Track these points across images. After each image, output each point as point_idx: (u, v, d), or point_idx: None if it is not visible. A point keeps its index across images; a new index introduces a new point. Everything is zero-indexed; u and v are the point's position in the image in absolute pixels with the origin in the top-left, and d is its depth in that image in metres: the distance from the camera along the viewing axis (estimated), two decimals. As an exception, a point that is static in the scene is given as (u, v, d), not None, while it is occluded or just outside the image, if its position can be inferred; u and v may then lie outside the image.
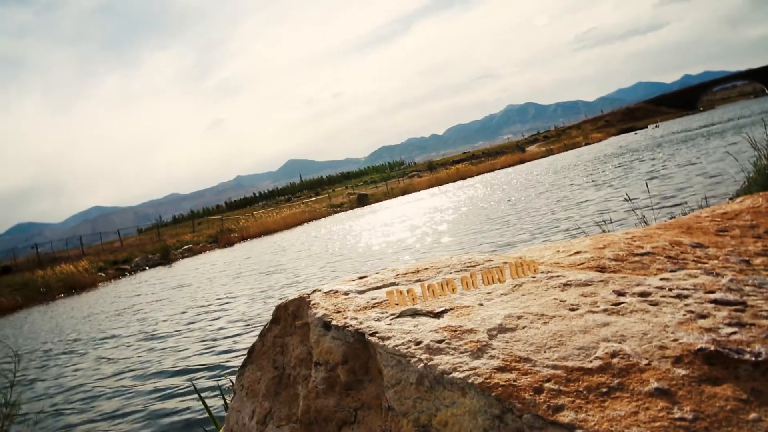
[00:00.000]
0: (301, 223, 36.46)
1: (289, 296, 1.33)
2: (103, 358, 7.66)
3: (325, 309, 1.16)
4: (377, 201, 44.04)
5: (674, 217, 4.99)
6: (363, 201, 44.12)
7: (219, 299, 10.41)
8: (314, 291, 1.28)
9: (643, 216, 5.21)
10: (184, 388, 5.16)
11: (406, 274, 1.31)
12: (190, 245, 31.90)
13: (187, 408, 4.55)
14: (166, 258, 28.96)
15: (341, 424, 1.06)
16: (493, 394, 0.82)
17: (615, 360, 0.86)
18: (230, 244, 31.78)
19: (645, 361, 0.85)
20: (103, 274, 25.93)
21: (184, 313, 9.89)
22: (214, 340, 6.87)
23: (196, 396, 4.75)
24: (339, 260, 12.36)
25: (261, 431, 1.25)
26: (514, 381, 0.83)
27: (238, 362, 5.06)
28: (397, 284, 1.25)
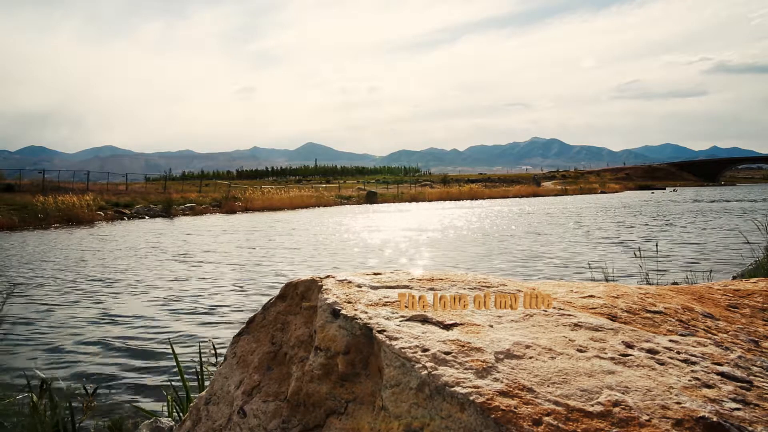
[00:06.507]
0: (306, 207, 36.47)
1: (301, 276, 1.34)
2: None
3: (337, 297, 1.16)
4: (385, 201, 44.04)
5: (676, 283, 4.97)
6: (371, 198, 44.13)
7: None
8: (327, 276, 1.28)
9: (647, 274, 5.20)
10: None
11: (420, 279, 1.31)
12: (193, 204, 31.96)
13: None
14: (167, 211, 29.03)
15: (330, 412, 1.07)
16: (492, 416, 0.82)
17: (616, 409, 0.86)
18: (232, 211, 31.83)
19: (646, 417, 0.85)
20: (102, 213, 26.00)
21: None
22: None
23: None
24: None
25: (245, 402, 1.25)
26: (515, 408, 0.84)
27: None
28: (411, 288, 1.25)
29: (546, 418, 0.82)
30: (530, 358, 0.98)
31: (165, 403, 2.93)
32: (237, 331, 1.45)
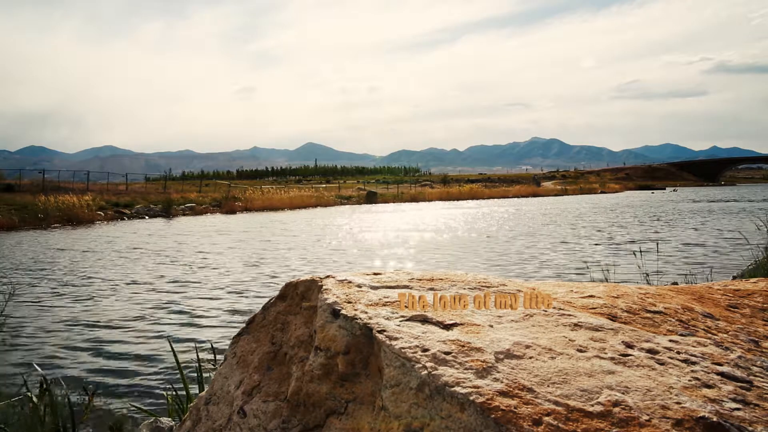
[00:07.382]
0: (306, 207, 36.43)
1: (301, 276, 1.34)
2: None
3: (337, 297, 1.16)
4: (385, 201, 44.03)
5: (676, 283, 4.97)
6: (371, 199, 44.11)
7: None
8: (327, 276, 1.28)
9: (647, 274, 5.20)
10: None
11: (420, 279, 1.31)
12: (193, 204, 31.94)
13: None
14: (167, 211, 29.04)
15: (330, 412, 1.07)
16: (492, 416, 0.82)
17: (616, 409, 0.86)
18: (232, 211, 31.82)
19: (646, 417, 0.85)
20: (101, 213, 26.00)
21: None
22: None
23: None
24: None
25: (245, 402, 1.25)
26: (515, 408, 0.83)
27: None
28: (411, 288, 1.25)
29: (546, 418, 0.82)
30: (530, 358, 0.98)
31: (165, 403, 2.93)
32: (234, 331, 1.45)
